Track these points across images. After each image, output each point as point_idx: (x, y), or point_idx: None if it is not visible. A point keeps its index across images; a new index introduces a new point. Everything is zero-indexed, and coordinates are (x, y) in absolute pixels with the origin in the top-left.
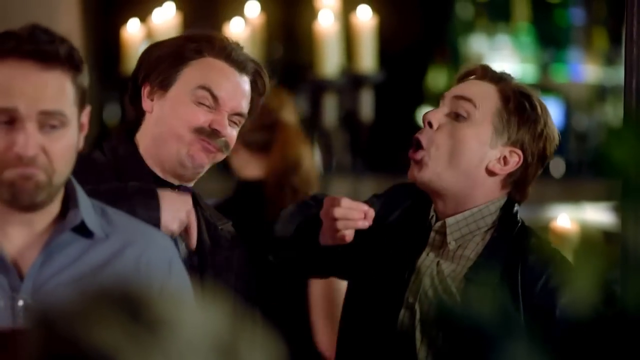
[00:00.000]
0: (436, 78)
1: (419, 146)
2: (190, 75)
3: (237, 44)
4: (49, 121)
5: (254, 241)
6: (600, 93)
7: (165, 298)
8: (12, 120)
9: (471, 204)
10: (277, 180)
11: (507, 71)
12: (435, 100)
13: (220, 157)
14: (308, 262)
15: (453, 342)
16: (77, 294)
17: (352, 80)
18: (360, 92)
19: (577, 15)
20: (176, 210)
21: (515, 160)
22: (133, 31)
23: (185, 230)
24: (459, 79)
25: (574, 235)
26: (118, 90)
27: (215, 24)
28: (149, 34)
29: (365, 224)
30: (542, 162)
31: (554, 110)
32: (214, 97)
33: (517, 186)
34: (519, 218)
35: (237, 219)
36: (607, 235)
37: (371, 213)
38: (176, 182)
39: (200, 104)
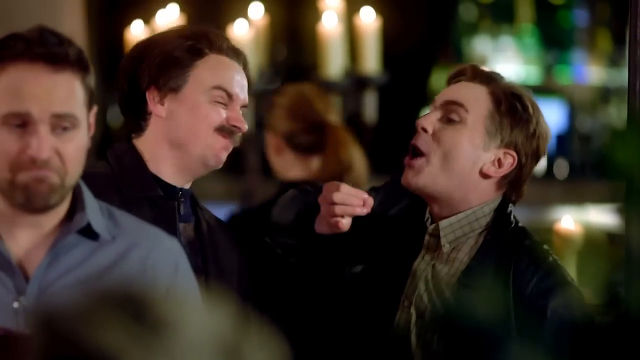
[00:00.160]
0: (440, 79)
1: (415, 153)
2: (202, 76)
3: (226, 35)
4: (61, 123)
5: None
6: (604, 94)
7: (171, 300)
8: (24, 123)
9: (465, 206)
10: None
11: (510, 72)
12: None
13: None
14: (307, 250)
15: (448, 345)
16: (81, 296)
17: (356, 82)
18: (364, 94)
19: (580, 17)
20: None
21: (509, 161)
22: (137, 32)
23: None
24: (449, 80)
25: (578, 237)
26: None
27: (219, 26)
28: None
29: (363, 210)
30: (537, 160)
31: (558, 112)
32: (229, 95)
33: (512, 186)
34: (512, 219)
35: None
36: (610, 237)
37: (370, 201)
38: (180, 184)
39: (217, 102)
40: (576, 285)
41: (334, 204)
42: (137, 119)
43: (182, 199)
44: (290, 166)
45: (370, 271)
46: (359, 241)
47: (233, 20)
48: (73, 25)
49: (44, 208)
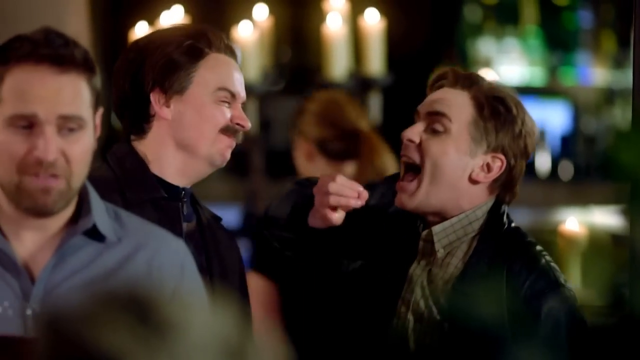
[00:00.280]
0: None
1: (408, 169)
2: (206, 77)
3: (222, 33)
4: (67, 125)
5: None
6: (609, 96)
7: (177, 301)
8: (31, 125)
9: (457, 212)
10: None
11: (514, 74)
12: None
13: None
14: (301, 244)
15: (446, 350)
16: (87, 298)
17: (360, 84)
18: (369, 95)
19: (585, 18)
20: None
21: (498, 165)
22: (141, 34)
23: None
24: (431, 86)
25: (583, 239)
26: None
27: (224, 27)
28: None
29: (357, 203)
30: (526, 158)
31: (562, 114)
32: (232, 95)
33: (505, 188)
34: (504, 220)
35: None
36: (615, 238)
37: (365, 194)
38: (183, 185)
39: (221, 102)
40: (570, 285)
41: (328, 194)
42: (139, 121)
43: (184, 199)
44: (321, 172)
45: (367, 276)
46: (354, 236)
47: (237, 21)
48: (77, 26)
49: (51, 213)
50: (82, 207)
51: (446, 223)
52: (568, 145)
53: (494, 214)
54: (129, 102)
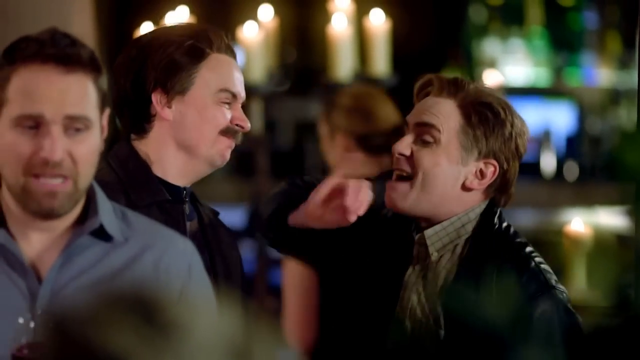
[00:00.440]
0: None
1: (400, 177)
2: (207, 78)
3: (222, 32)
4: (74, 125)
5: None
6: (614, 97)
7: (184, 302)
8: (37, 125)
9: (450, 215)
10: None
11: (520, 75)
12: None
13: None
14: (284, 243)
15: (445, 356)
16: (93, 298)
17: (365, 84)
18: None
19: (590, 19)
20: None
21: (491, 170)
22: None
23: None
24: (417, 94)
25: (588, 239)
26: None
27: (229, 28)
28: None
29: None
30: (519, 159)
31: (567, 114)
32: (234, 95)
33: (500, 191)
34: (495, 220)
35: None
36: (620, 239)
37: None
38: (184, 184)
39: (222, 103)
40: (561, 286)
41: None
42: (140, 121)
43: (186, 199)
44: (359, 166)
45: (363, 285)
46: (334, 236)
47: (243, 22)
48: (83, 27)
49: (57, 216)
50: (89, 207)
51: (438, 227)
52: (573, 145)
53: (487, 216)
54: (130, 101)
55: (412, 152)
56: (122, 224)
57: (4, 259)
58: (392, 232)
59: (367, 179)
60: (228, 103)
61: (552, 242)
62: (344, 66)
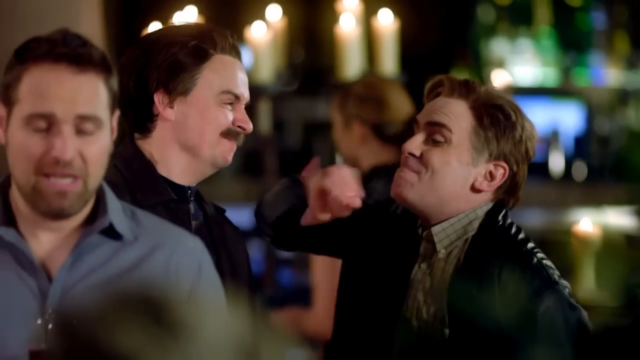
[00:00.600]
0: None
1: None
2: (210, 79)
3: (227, 33)
4: (85, 125)
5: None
6: (622, 97)
7: (194, 301)
8: (48, 124)
9: (456, 212)
10: None
11: (528, 75)
12: None
13: None
14: (289, 242)
15: (452, 354)
16: (102, 298)
17: None
18: None
19: (598, 19)
20: None
21: (501, 172)
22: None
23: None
24: (427, 94)
25: (596, 239)
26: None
27: (237, 28)
28: None
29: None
30: (528, 162)
31: (576, 114)
32: (236, 97)
33: (508, 194)
34: (499, 218)
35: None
36: (629, 239)
37: (354, 203)
38: (188, 184)
39: (224, 104)
40: (563, 281)
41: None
42: (143, 120)
43: (191, 198)
44: (374, 155)
45: (370, 283)
46: (343, 230)
47: (251, 22)
48: (91, 27)
49: (67, 216)
50: (99, 207)
51: (445, 223)
52: (581, 145)
53: (492, 216)
54: (133, 100)
55: (421, 153)
56: (131, 223)
57: (14, 259)
58: (399, 229)
59: (375, 170)
60: (230, 104)
61: (560, 242)
62: (352, 66)
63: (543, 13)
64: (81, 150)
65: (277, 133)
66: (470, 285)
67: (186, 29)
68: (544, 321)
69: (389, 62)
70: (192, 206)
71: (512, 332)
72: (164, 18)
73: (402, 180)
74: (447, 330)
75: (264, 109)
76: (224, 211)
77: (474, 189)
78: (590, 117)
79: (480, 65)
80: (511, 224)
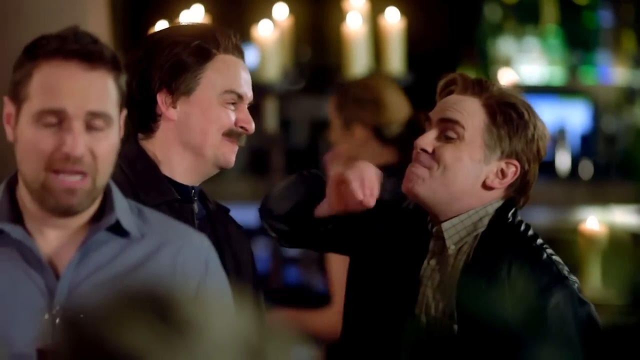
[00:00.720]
0: None
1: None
2: (213, 79)
3: (230, 33)
4: (95, 121)
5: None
6: (629, 95)
7: (201, 298)
8: (59, 120)
9: (467, 209)
10: None
11: (535, 73)
12: None
13: None
14: (299, 237)
15: (460, 350)
16: (109, 295)
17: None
18: None
19: (605, 18)
20: None
21: (512, 171)
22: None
23: None
24: (440, 92)
25: (603, 238)
26: None
27: (244, 26)
28: None
29: (363, 200)
30: (539, 162)
31: (582, 113)
32: (239, 96)
33: (519, 192)
34: (509, 215)
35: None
36: (635, 237)
37: (370, 202)
38: (192, 183)
39: (227, 104)
40: (573, 277)
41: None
42: (147, 120)
43: (195, 197)
44: (375, 156)
45: (378, 281)
46: (354, 227)
47: (257, 20)
48: (98, 26)
49: (75, 213)
50: (106, 204)
51: (455, 219)
52: (588, 144)
53: (501, 213)
54: (136, 100)
55: (433, 150)
56: (138, 220)
57: (22, 256)
58: (409, 226)
59: (384, 168)
60: (233, 104)
61: (567, 241)
62: (358, 64)
63: (550, 11)
64: (91, 146)
65: (283, 132)
66: (479, 281)
67: (189, 29)
68: (554, 316)
69: (395, 61)
70: (196, 206)
71: (521, 328)
72: (171, 17)
73: (414, 176)
74: (455, 326)
75: (271, 108)
76: (228, 211)
77: (485, 186)
78: (596, 116)
79: (486, 64)
80: (520, 221)
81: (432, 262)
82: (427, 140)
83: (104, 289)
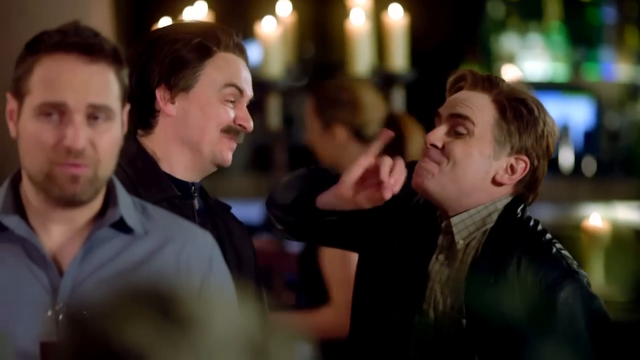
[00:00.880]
0: None
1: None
2: (212, 76)
3: (232, 31)
4: (97, 114)
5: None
6: (632, 92)
7: (205, 295)
8: (60, 114)
9: (476, 204)
10: None
11: (538, 70)
12: None
13: None
14: (304, 228)
15: (468, 346)
16: (112, 292)
17: (383, 79)
18: (392, 91)
19: (608, 14)
20: None
21: (522, 167)
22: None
23: None
24: (449, 88)
25: (606, 235)
26: None
27: (247, 23)
28: None
29: (388, 188)
30: (548, 158)
31: (586, 110)
32: (239, 91)
33: (528, 188)
34: (518, 211)
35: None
36: (638, 234)
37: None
38: (192, 180)
39: (227, 101)
40: (583, 271)
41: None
42: (146, 116)
43: (195, 194)
44: (356, 156)
45: (387, 277)
46: (361, 222)
47: (261, 17)
48: (100, 22)
49: (79, 202)
50: (109, 200)
51: (464, 214)
52: (591, 141)
53: (510, 209)
54: (135, 96)
55: (443, 145)
56: (142, 217)
57: (25, 253)
58: (417, 222)
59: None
60: (233, 101)
61: (570, 237)
62: (362, 61)
63: (553, 8)
64: (93, 139)
65: (286, 128)
66: (488, 276)
67: (191, 27)
68: (564, 310)
69: (398, 57)
70: (196, 202)
71: (531, 322)
72: (174, 13)
73: (423, 171)
74: (464, 321)
75: (274, 104)
76: (230, 208)
77: (495, 182)
78: (600, 112)
79: (490, 61)
80: (529, 217)
81: (441, 257)
82: (437, 135)
83: (107, 285)
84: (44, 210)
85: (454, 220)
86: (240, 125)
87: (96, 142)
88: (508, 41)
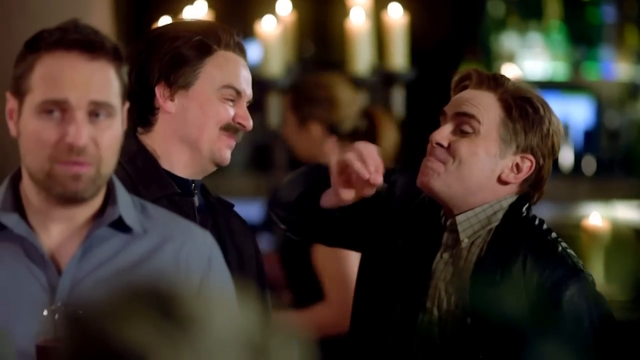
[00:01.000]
0: None
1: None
2: (212, 74)
3: (232, 30)
4: (98, 111)
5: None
6: (632, 91)
7: (204, 294)
8: (62, 111)
9: (481, 203)
10: None
11: (538, 69)
12: None
13: None
14: (307, 226)
15: (472, 344)
16: (111, 291)
17: (383, 78)
18: (392, 90)
19: (608, 13)
20: None
21: (527, 165)
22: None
23: None
24: (454, 87)
25: (606, 234)
26: None
27: (247, 22)
28: None
29: (370, 177)
30: (553, 157)
31: (585, 109)
32: (238, 92)
33: (533, 187)
34: (524, 210)
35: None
36: (638, 233)
37: (377, 175)
38: (192, 178)
39: (225, 99)
40: (587, 270)
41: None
42: (145, 113)
43: (195, 191)
44: (333, 154)
45: (390, 275)
46: (363, 220)
47: (261, 16)
48: (101, 21)
49: (81, 200)
50: (109, 199)
51: (470, 212)
52: (591, 140)
53: (516, 207)
54: (135, 93)
55: (449, 144)
56: (141, 216)
57: (24, 252)
58: (423, 219)
59: (396, 169)
60: (232, 100)
61: (570, 236)
62: (362, 60)
63: (553, 7)
64: (94, 136)
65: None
66: (493, 274)
67: (191, 25)
68: (569, 309)
69: (398, 56)
70: (196, 199)
71: (536, 320)
72: (174, 13)
73: (429, 170)
74: (468, 320)
75: (274, 104)
76: (232, 206)
77: (500, 181)
78: (600, 112)
79: (490, 60)
80: (534, 216)
81: (445, 255)
82: (443, 134)
83: (106, 284)
84: (44, 208)
85: (459, 218)
86: (239, 123)
87: (98, 140)
88: (508, 40)
